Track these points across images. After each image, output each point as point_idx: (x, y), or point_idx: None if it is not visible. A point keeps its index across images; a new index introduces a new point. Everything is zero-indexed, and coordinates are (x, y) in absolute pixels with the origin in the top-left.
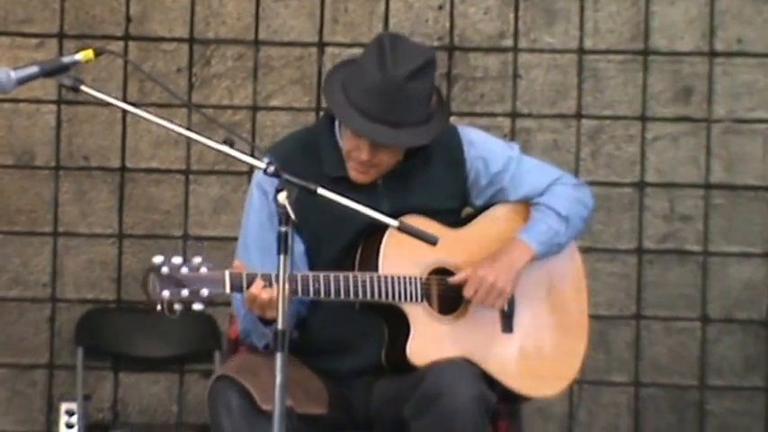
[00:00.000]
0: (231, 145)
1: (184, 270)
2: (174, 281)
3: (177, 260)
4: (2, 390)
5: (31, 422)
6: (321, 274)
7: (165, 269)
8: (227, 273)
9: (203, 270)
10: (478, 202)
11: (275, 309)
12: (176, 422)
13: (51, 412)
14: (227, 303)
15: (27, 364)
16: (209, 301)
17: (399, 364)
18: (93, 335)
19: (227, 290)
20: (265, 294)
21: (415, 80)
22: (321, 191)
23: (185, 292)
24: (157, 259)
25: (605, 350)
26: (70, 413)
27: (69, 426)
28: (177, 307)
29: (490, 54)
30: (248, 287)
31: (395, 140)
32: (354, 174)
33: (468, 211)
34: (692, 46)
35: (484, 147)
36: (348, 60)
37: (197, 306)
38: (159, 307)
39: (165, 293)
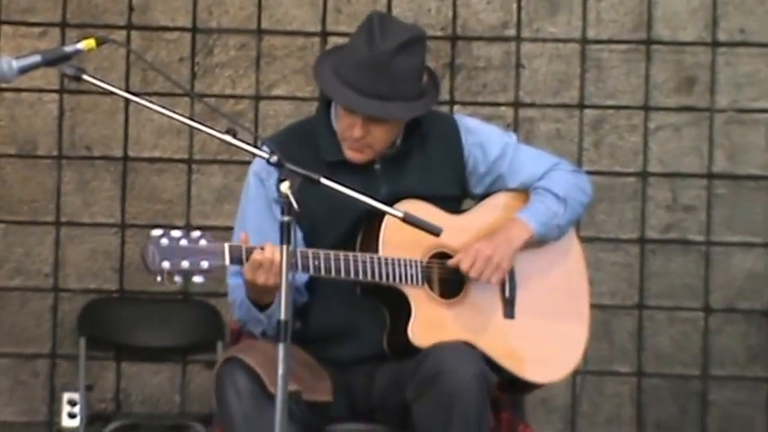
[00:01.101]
0: (234, 134)
1: (184, 242)
2: (174, 252)
3: (177, 232)
4: (4, 380)
5: (33, 412)
6: (321, 252)
7: (164, 240)
8: (226, 244)
9: (203, 242)
10: (478, 190)
11: (277, 276)
12: (179, 412)
13: (53, 402)
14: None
15: (29, 354)
16: (208, 274)
17: (402, 347)
18: (96, 325)
19: (227, 261)
20: (268, 254)
21: (402, 54)
22: (324, 180)
23: (185, 264)
24: (157, 231)
25: (608, 340)
26: (72, 403)
27: (72, 416)
28: (177, 278)
29: (493, 44)
30: (248, 259)
31: (385, 113)
32: (350, 153)
33: (468, 201)
34: (694, 36)
35: (481, 133)
36: (338, 46)
37: (197, 278)
38: (159, 278)
39: (165, 264)
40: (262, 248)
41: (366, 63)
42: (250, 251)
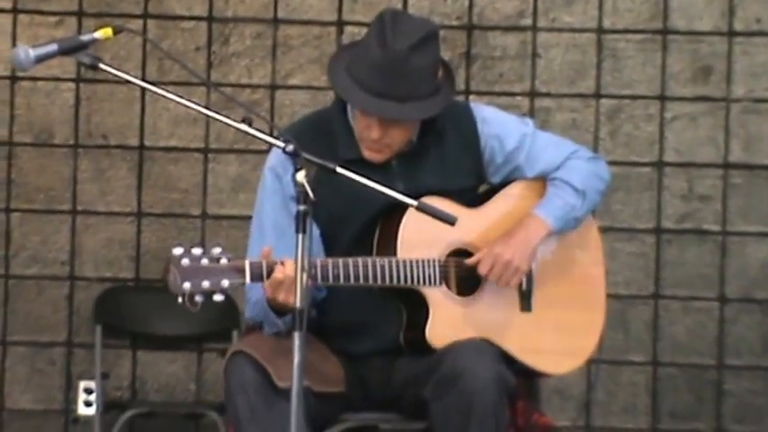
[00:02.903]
0: (250, 124)
1: (204, 261)
2: (195, 272)
3: (197, 251)
4: (21, 368)
5: (49, 400)
6: (340, 260)
7: (185, 261)
8: (246, 263)
9: (223, 261)
10: (495, 179)
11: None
12: (194, 400)
13: (70, 390)
14: None
15: (46, 343)
16: (229, 292)
17: (419, 346)
18: (112, 313)
19: (248, 279)
20: (290, 272)
21: (417, 53)
22: (340, 170)
23: (206, 284)
24: (177, 251)
25: (624, 330)
26: (88, 391)
27: (87, 404)
28: (198, 299)
29: (509, 33)
30: (269, 276)
31: (401, 115)
32: (369, 153)
33: (485, 188)
34: (711, 25)
35: (498, 124)
36: (351, 43)
37: (218, 297)
38: (180, 299)
39: (187, 285)
40: (282, 263)
41: (380, 64)
42: (271, 267)
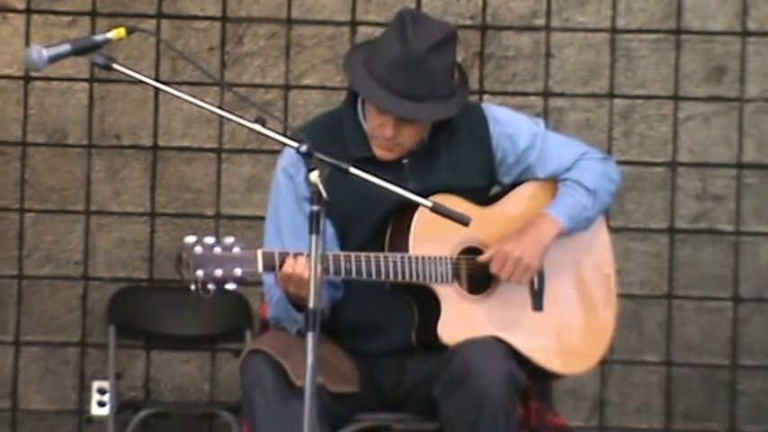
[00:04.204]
0: (263, 124)
1: (217, 250)
2: (208, 260)
3: (210, 240)
4: (34, 368)
5: (63, 400)
6: (353, 254)
7: (198, 249)
8: (259, 252)
9: (236, 249)
10: (506, 180)
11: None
12: (208, 401)
13: (83, 390)
14: (259, 282)
15: (59, 343)
16: (241, 281)
17: (430, 343)
18: (126, 313)
19: (260, 269)
20: (299, 268)
21: (437, 53)
22: (353, 170)
23: (218, 272)
24: (190, 239)
25: (637, 330)
26: (102, 391)
27: (101, 404)
28: (210, 287)
29: (523, 33)
30: (281, 267)
31: (417, 115)
32: (380, 151)
33: (496, 189)
34: (724, 25)
35: (509, 124)
36: (369, 40)
37: (230, 286)
38: (193, 287)
39: (199, 273)
40: (294, 256)
41: (400, 63)
42: (283, 258)
